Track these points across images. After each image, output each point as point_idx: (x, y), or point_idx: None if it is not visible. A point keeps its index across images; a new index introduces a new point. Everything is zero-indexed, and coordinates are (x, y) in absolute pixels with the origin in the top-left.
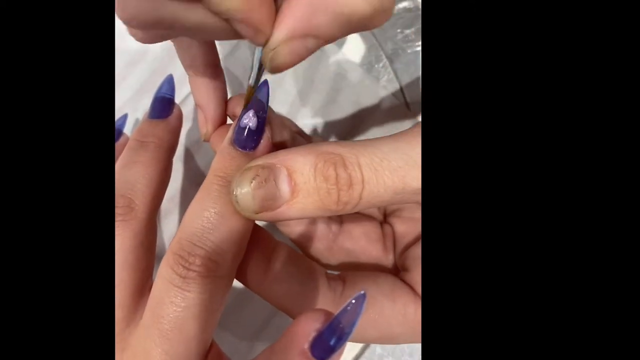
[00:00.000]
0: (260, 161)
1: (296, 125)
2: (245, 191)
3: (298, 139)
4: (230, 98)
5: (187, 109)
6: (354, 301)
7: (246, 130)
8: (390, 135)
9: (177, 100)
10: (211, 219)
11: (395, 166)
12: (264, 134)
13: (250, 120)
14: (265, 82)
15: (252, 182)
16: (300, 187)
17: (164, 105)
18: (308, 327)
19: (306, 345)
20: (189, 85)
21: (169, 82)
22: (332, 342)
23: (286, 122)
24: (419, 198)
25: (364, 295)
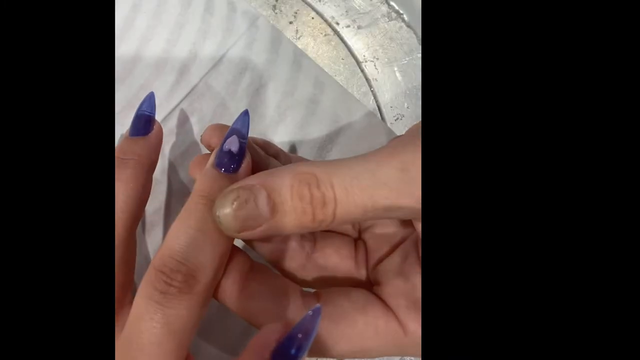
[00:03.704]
0: (241, 183)
1: (275, 146)
2: (228, 212)
3: (274, 162)
4: (206, 129)
5: (170, 125)
6: (311, 312)
7: (228, 154)
8: (363, 155)
9: (161, 115)
10: (194, 236)
11: (364, 185)
12: (245, 158)
13: (232, 144)
14: (246, 112)
15: (233, 204)
16: (278, 206)
17: (144, 122)
18: (269, 339)
19: (267, 356)
20: (173, 101)
21: (150, 99)
22: (292, 352)
23: (268, 147)
24: (389, 215)
25: (319, 308)
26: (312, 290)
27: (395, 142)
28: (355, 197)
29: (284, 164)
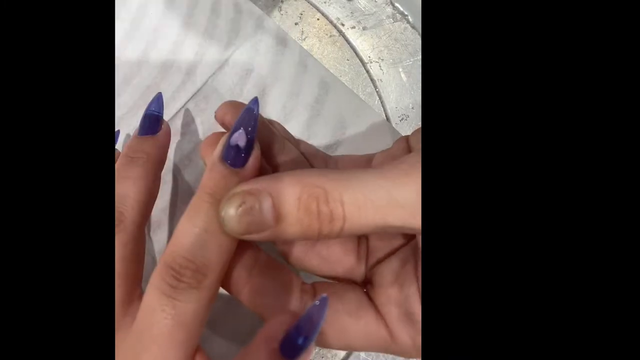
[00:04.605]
0: (247, 186)
1: (285, 130)
2: (232, 215)
3: (287, 146)
4: (220, 106)
5: (177, 124)
6: (318, 303)
7: (235, 148)
8: (377, 170)
9: (167, 116)
10: (201, 235)
11: (378, 205)
12: (253, 151)
13: (239, 139)
14: (256, 100)
15: (239, 209)
16: (284, 216)
17: (152, 122)
18: (277, 329)
19: (276, 345)
20: (179, 102)
21: (158, 100)
22: (299, 342)
23: (276, 127)
24: (397, 231)
25: (325, 299)
26: (309, 284)
27: (411, 160)
28: (367, 215)
29: (304, 152)
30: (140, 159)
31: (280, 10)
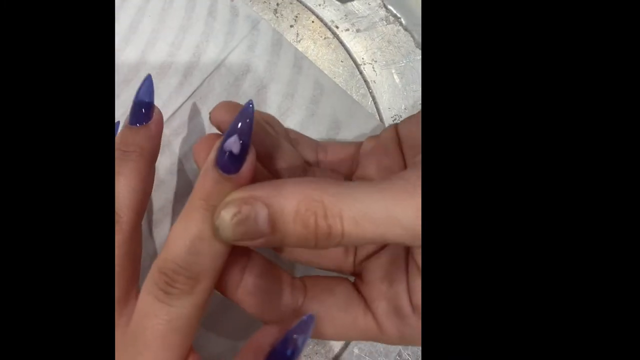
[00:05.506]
0: (243, 193)
1: (278, 122)
2: (227, 223)
3: (284, 145)
4: (216, 106)
5: (178, 122)
6: (305, 318)
7: (229, 154)
8: (376, 185)
9: (165, 116)
10: (194, 242)
11: (377, 222)
12: (248, 157)
13: (233, 146)
14: (250, 103)
15: (234, 217)
16: (279, 227)
17: (143, 109)
18: (264, 342)
19: (263, 358)
20: (176, 103)
21: (148, 84)
22: (288, 353)
23: (270, 121)
24: (396, 243)
25: (312, 316)
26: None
27: (410, 176)
28: (365, 231)
29: (293, 140)
30: (133, 153)
31: (276, 12)
